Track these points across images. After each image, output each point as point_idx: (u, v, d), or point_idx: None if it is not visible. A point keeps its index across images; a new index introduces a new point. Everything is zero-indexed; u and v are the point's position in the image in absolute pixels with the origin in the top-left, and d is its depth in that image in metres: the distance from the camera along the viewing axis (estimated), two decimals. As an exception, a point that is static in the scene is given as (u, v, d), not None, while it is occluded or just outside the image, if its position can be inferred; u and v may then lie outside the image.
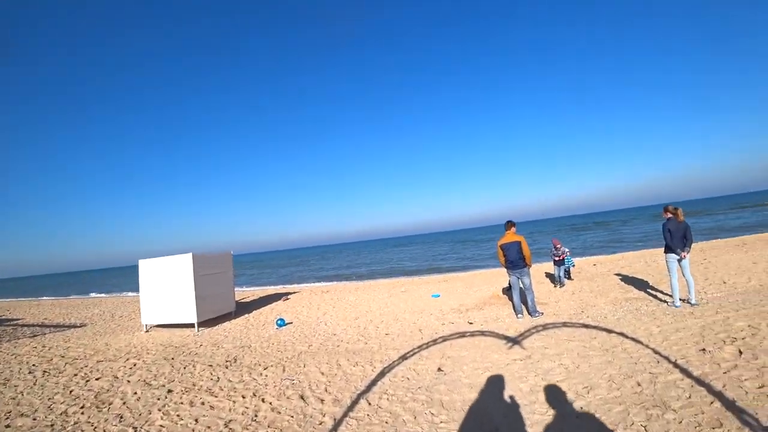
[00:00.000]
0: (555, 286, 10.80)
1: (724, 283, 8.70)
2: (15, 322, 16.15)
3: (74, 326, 13.36)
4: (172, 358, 7.67)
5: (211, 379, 6.10)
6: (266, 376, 6.04)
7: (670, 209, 7.34)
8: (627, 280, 10.55)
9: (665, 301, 7.71)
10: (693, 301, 7.21)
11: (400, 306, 10.99)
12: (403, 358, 6.19)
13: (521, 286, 8.03)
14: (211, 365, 6.91)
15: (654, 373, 4.46)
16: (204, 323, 11.12)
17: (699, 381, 4.12)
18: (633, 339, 5.71)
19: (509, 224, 8.26)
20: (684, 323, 6.13)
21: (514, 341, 6.35)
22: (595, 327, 6.53)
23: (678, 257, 7.16)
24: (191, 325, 10.75)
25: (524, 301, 8.40)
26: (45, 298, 31.90)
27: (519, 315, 7.95)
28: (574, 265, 11.72)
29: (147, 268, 11.67)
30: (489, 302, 9.96)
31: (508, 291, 11.17)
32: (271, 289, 20.93)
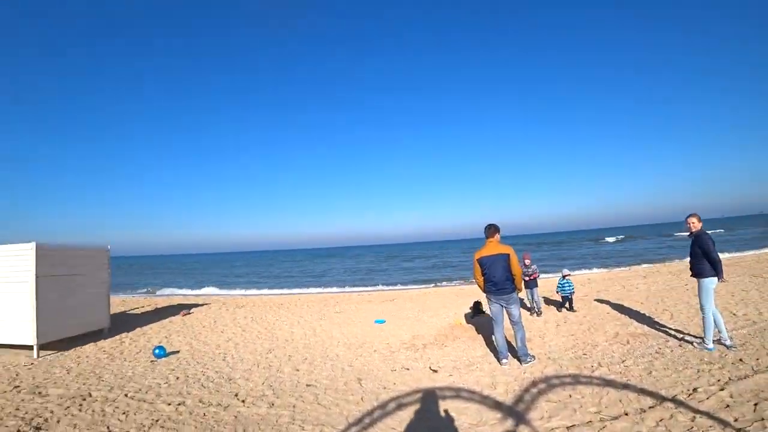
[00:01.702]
0: (531, 314, 8.70)
1: (734, 315, 7.06)
2: None
3: None
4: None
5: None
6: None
7: (697, 217, 5.61)
8: (616, 308, 8.76)
9: (687, 341, 5.87)
10: (728, 343, 5.47)
11: (332, 334, 8.36)
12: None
13: (508, 318, 5.74)
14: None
15: None
16: (53, 345, 7.77)
17: None
18: (692, 409, 3.60)
19: (491, 230, 5.90)
20: (740, 376, 4.23)
21: (511, 412, 4.01)
22: (631, 387, 4.34)
23: (718, 282, 5.39)
24: (30, 347, 7.37)
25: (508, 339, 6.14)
26: None
27: (504, 359, 5.70)
28: (573, 291, 9.22)
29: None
30: (452, 334, 7.65)
31: (474, 317, 8.95)
32: (176, 298, 17.29)
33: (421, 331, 8.19)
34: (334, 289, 21.11)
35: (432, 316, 9.74)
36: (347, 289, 21.54)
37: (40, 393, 5.30)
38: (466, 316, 9.35)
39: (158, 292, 22.95)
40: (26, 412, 4.63)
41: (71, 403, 4.87)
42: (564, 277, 9.17)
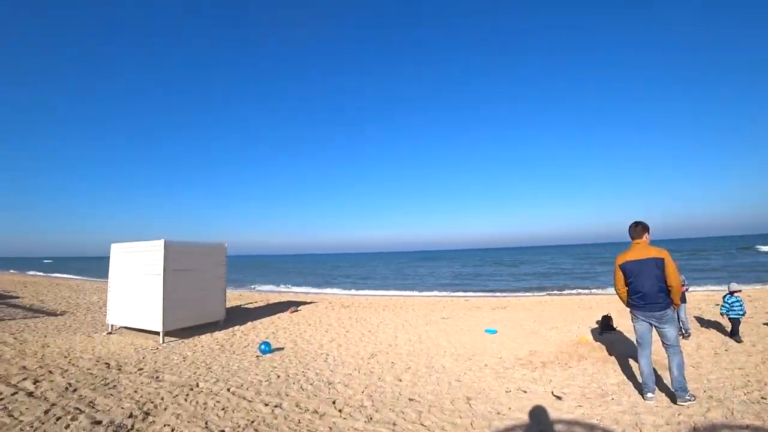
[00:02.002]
0: (681, 337, 6.94)
1: None
2: (11, 298, 14.76)
3: (53, 314, 11.43)
4: (75, 390, 4.90)
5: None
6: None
7: None
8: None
9: None
10: None
11: (439, 342, 7.59)
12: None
13: (662, 340, 4.42)
14: (100, 421, 3.97)
15: None
16: (176, 333, 8.38)
17: None
18: None
19: (639, 228, 4.54)
20: None
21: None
22: None
23: None
24: (158, 333, 8.02)
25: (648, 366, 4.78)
26: (64, 275, 31.38)
27: (649, 393, 4.35)
28: (744, 313, 6.89)
29: (118, 255, 9.16)
30: (576, 353, 6.37)
31: (603, 334, 7.50)
32: (286, 295, 18.11)
33: (538, 346, 7.01)
34: (439, 293, 20.21)
35: (550, 329, 8.41)
36: (452, 293, 20.49)
37: (157, 378, 5.52)
38: (593, 332, 7.89)
39: (268, 289, 24.44)
40: (141, 396, 4.77)
41: (180, 392, 4.92)
42: (732, 293, 7.07)
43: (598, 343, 6.96)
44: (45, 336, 8.32)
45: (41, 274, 38.47)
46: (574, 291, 18.79)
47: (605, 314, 8.05)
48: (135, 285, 8.53)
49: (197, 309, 8.75)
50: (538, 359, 6.18)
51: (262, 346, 6.93)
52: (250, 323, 9.76)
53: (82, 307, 12.82)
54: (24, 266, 57.31)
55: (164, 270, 7.95)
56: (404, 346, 7.30)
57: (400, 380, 5.33)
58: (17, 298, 15.32)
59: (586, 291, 18.37)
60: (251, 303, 14.21)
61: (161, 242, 8.04)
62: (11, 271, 44.35)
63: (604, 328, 7.76)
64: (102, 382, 5.30)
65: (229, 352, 7.02)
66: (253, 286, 26.78)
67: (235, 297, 16.51)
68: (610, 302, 11.80)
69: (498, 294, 19.16)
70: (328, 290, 23.67)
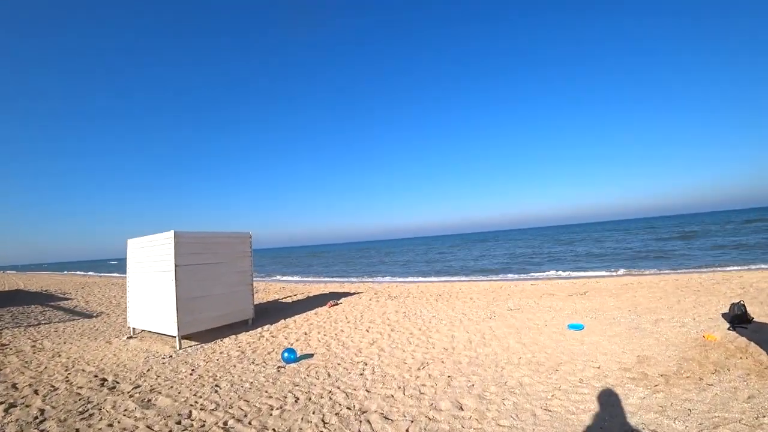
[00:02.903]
0: None
1: None
2: (64, 300, 14.82)
3: (89, 316, 11.02)
4: (41, 422, 3.80)
5: None
6: None
7: None
8: None
9: None
10: None
11: (509, 343, 5.82)
12: None
13: None
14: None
15: None
16: (198, 336, 7.32)
17: None
18: None
19: None
20: None
21: None
22: None
23: None
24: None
25: None
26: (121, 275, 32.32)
27: None
28: None
29: (134, 251, 8.24)
30: (709, 359, 4.41)
31: (736, 328, 5.41)
32: (332, 285, 16.73)
33: (648, 349, 5.05)
34: (496, 278, 17.95)
35: (655, 322, 6.36)
36: (512, 276, 18.26)
37: (147, 402, 4.32)
38: (719, 326, 5.80)
39: (311, 280, 23.45)
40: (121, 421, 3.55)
41: (162, 427, 3.65)
42: None
43: (735, 342, 4.93)
44: (64, 342, 7.61)
45: (100, 274, 40.37)
46: (665, 270, 15.89)
47: (737, 302, 5.90)
48: (149, 284, 7.57)
49: (220, 308, 7.61)
50: (654, 370, 4.31)
51: (286, 354, 5.58)
52: (282, 321, 8.52)
53: (121, 307, 12.35)
54: (94, 268, 61.37)
55: (176, 265, 6.83)
56: (464, 350, 5.60)
57: (462, 408, 3.71)
58: (68, 299, 15.32)
59: (671, 270, 15.57)
60: (290, 296, 13.12)
61: (171, 234, 6.91)
62: (79, 272, 47.42)
63: (737, 320, 5.65)
64: (79, 410, 4.18)
65: (248, 361, 5.76)
66: (292, 278, 26.12)
67: (276, 290, 15.56)
68: (719, 283, 9.38)
69: (566, 275, 16.72)
70: (372, 279, 22.21)
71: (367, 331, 7.18)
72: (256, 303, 11.02)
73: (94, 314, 11.26)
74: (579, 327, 6.33)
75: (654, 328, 6.03)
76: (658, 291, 9.07)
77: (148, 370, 5.63)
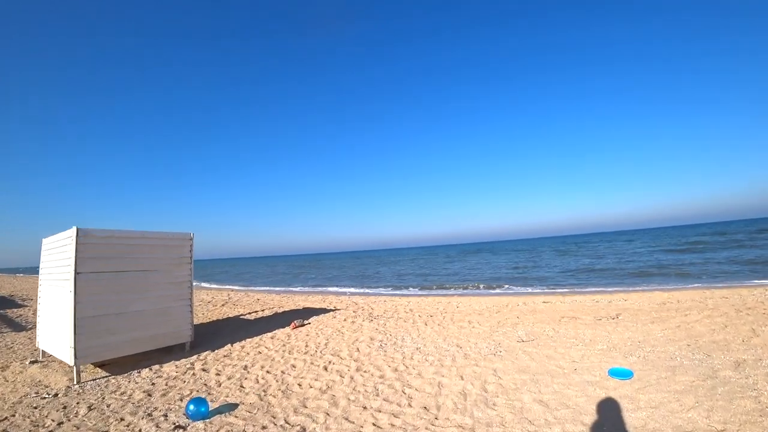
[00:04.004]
0: None
1: None
2: (17, 307, 13.40)
3: (22, 329, 9.78)
4: None
5: None
6: None
7: None
8: None
9: None
10: None
11: (523, 402, 4.04)
12: None
13: None
14: None
15: None
16: (118, 363, 5.66)
17: None
18: None
19: None
20: None
21: None
22: None
23: None
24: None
25: None
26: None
27: None
28: None
29: (45, 253, 6.63)
30: None
31: None
32: (310, 297, 14.49)
33: (749, 420, 3.28)
34: (501, 292, 15.81)
35: (737, 366, 4.43)
36: (518, 289, 16.21)
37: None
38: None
39: (298, 290, 21.55)
40: None
41: None
42: None
43: None
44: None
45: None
46: (716, 283, 13.55)
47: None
48: (53, 295, 5.91)
49: (144, 329, 5.96)
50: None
51: (192, 407, 3.91)
52: (227, 347, 6.82)
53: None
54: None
55: (76, 273, 5.18)
56: (453, 414, 3.86)
57: None
58: (23, 307, 13.79)
59: (704, 285, 13.57)
60: (258, 311, 11.39)
61: (73, 231, 5.26)
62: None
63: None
64: None
65: (144, 412, 4.10)
66: (274, 288, 24.20)
67: (249, 302, 13.79)
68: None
69: (583, 290, 14.21)
70: (361, 290, 20.34)
71: (325, 369, 5.47)
72: (217, 318, 9.37)
73: (28, 327, 9.59)
74: (626, 375, 4.52)
75: (739, 376, 4.18)
76: (715, 314, 7.17)
77: (28, 415, 3.97)
